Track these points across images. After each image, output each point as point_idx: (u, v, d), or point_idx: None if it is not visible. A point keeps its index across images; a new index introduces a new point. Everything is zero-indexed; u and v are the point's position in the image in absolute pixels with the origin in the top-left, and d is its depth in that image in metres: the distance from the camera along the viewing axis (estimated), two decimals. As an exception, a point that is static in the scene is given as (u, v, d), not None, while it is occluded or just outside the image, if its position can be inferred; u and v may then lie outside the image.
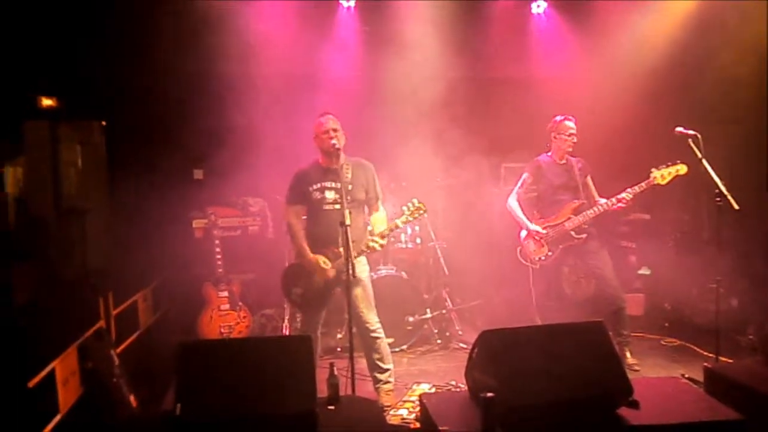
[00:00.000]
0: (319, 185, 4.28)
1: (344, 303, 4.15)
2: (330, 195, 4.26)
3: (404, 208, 4.30)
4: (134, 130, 6.19)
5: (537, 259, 5.20)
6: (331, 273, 4.22)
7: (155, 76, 5.98)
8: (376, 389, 4.35)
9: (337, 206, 4.20)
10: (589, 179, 5.22)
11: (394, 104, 6.03)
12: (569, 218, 5.06)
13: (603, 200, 5.02)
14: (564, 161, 5.17)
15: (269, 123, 5.88)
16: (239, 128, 6.02)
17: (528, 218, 5.21)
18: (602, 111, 6.01)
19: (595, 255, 5.10)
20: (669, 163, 4.76)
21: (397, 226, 4.28)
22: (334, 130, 4.19)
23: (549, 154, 5.22)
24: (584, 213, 5.01)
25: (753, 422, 2.92)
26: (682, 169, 4.74)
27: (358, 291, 4.24)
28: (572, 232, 5.06)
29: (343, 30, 6.58)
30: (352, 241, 3.88)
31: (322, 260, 4.21)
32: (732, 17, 5.68)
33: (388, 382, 4.36)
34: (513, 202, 5.26)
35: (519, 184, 5.28)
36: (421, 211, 4.28)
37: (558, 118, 5.15)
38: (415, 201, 4.27)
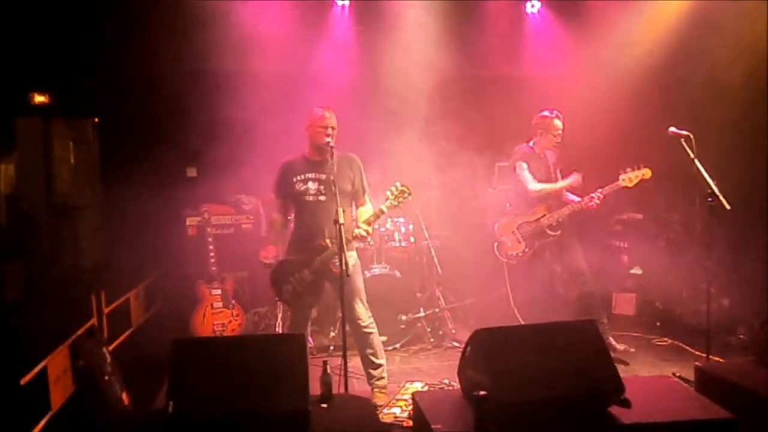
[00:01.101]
0: (302, 176, 4.23)
1: (337, 301, 4.14)
2: (313, 186, 4.21)
3: (387, 192, 4.15)
4: (128, 127, 6.18)
5: (514, 254, 5.22)
6: (318, 265, 4.18)
7: (149, 74, 5.96)
8: (370, 385, 4.35)
9: (322, 197, 4.18)
10: (558, 173, 5.23)
11: (388, 102, 6.03)
12: (544, 215, 5.09)
13: (576, 198, 5.04)
14: (542, 155, 5.20)
15: (263, 121, 5.87)
16: (233, 126, 6.01)
17: (500, 213, 5.28)
18: (595, 110, 6.04)
19: (568, 249, 5.14)
20: (635, 167, 4.84)
21: (382, 212, 4.15)
22: (333, 128, 4.17)
23: (530, 144, 5.21)
24: (559, 210, 5.04)
25: (743, 421, 2.93)
26: (647, 173, 4.85)
27: (351, 289, 4.19)
28: (547, 229, 5.09)
29: (338, 28, 6.59)
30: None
31: (264, 255, 4.29)
32: (726, 17, 5.70)
33: (381, 378, 4.35)
34: (536, 185, 5.07)
35: (527, 173, 5.10)
36: (405, 194, 4.14)
37: (545, 113, 5.14)
38: (398, 184, 4.14)
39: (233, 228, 6.26)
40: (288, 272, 4.25)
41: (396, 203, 4.16)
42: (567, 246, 5.15)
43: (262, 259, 4.29)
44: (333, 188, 3.97)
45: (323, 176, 4.16)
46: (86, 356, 4.02)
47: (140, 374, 4.56)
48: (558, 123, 5.10)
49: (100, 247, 6.19)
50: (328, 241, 4.13)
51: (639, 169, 4.85)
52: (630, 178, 4.84)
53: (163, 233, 6.04)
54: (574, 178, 5.05)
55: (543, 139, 5.15)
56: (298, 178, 4.24)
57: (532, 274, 5.24)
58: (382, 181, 6.43)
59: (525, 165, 5.12)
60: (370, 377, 4.36)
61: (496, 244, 5.31)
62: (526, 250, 5.17)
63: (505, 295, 5.85)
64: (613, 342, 5.18)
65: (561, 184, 5.11)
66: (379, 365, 4.35)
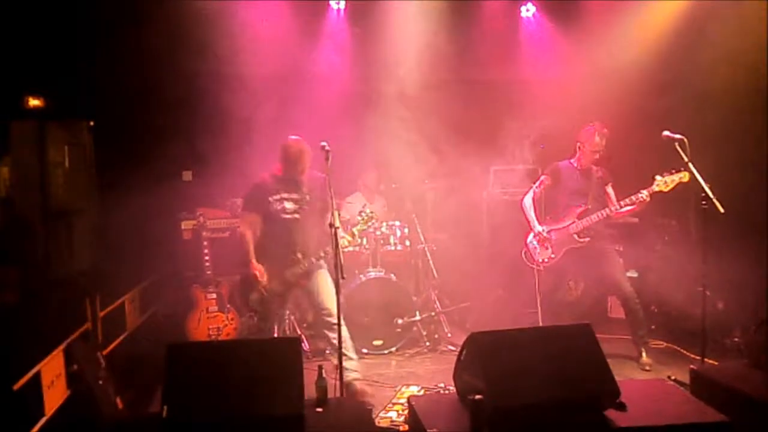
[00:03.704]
0: (278, 196, 4.45)
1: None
2: (289, 205, 4.46)
3: (358, 217, 4.59)
4: (123, 130, 6.17)
5: (541, 260, 5.21)
6: (289, 277, 4.47)
7: (144, 76, 5.95)
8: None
9: (296, 216, 4.44)
10: (609, 188, 5.16)
11: (384, 106, 6.03)
12: (573, 222, 5.07)
13: (614, 206, 4.98)
14: (583, 169, 5.14)
15: (259, 124, 5.86)
16: (229, 129, 6.00)
17: (540, 221, 5.24)
18: (589, 113, 6.03)
19: (601, 258, 5.10)
20: (672, 171, 4.64)
21: (353, 234, 4.52)
22: (303, 152, 4.44)
23: (572, 160, 5.18)
24: (588, 217, 5.01)
25: (738, 424, 2.94)
26: (685, 176, 4.59)
27: (321, 283, 4.48)
28: (575, 236, 5.07)
29: (334, 32, 6.59)
30: (308, 247, 4.32)
31: (260, 273, 4.45)
32: (719, 21, 5.72)
33: (354, 370, 4.49)
34: (528, 201, 5.25)
35: (537, 183, 5.28)
36: (372, 221, 4.63)
37: (589, 128, 5.06)
38: (368, 210, 4.62)
39: (228, 232, 6.24)
40: (255, 282, 4.48)
41: (365, 227, 4.60)
42: (598, 255, 5.10)
43: (260, 279, 4.47)
44: (306, 207, 4.40)
45: (296, 195, 4.45)
46: (80, 360, 4.01)
47: (135, 378, 4.54)
48: (597, 139, 5.00)
49: (94, 251, 6.17)
50: (299, 255, 4.42)
51: (677, 172, 4.61)
52: (666, 182, 4.66)
53: (159, 237, 6.02)
54: (540, 229, 5.14)
55: (582, 153, 5.11)
56: (275, 197, 4.46)
57: (558, 281, 5.32)
58: (378, 184, 6.46)
59: (543, 178, 5.26)
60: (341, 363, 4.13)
61: (523, 251, 5.31)
62: (553, 256, 5.17)
63: (503, 297, 5.86)
64: (644, 354, 5.08)
65: (531, 220, 5.19)
66: (351, 358, 4.46)
